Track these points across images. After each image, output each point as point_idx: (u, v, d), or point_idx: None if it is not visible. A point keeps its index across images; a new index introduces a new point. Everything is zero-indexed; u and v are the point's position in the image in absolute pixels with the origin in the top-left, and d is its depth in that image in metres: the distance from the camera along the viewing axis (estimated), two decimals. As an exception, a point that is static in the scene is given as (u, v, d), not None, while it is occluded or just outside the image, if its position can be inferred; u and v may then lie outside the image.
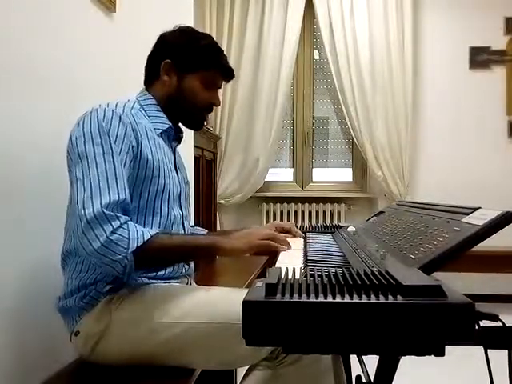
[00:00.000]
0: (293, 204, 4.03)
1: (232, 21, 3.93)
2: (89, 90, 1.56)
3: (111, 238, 1.03)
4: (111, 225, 1.04)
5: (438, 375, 2.32)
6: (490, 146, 3.88)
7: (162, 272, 1.25)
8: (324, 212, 4.02)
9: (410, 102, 3.84)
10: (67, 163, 1.17)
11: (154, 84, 1.33)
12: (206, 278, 2.03)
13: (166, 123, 1.31)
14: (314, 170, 4.19)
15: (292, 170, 4.21)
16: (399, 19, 3.83)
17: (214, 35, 3.42)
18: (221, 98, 3.88)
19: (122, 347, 1.13)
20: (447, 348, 0.60)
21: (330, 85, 4.08)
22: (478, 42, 3.89)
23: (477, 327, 0.76)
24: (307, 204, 4.02)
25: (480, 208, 0.90)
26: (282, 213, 4.04)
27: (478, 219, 0.83)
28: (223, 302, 1.13)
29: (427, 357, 0.61)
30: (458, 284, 3.03)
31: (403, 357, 0.72)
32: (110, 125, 1.13)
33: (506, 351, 0.81)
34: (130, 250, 1.04)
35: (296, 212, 4.03)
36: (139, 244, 1.05)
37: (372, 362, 0.95)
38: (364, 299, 0.60)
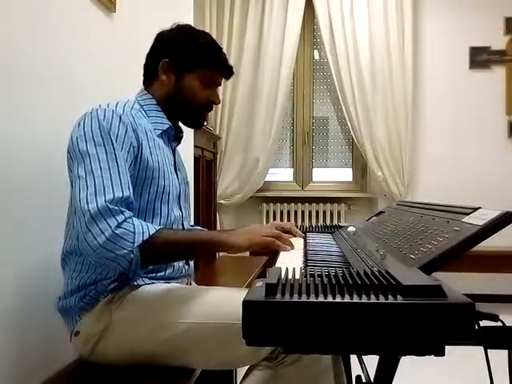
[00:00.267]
0: (293, 204, 4.03)
1: (232, 21, 3.93)
2: (89, 90, 1.56)
3: (116, 231, 1.02)
4: (116, 219, 1.03)
5: (438, 375, 2.32)
6: (490, 145, 3.88)
7: (161, 273, 1.25)
8: (324, 212, 4.02)
9: (409, 101, 3.84)
10: (67, 163, 1.17)
11: (153, 84, 1.32)
12: (206, 278, 2.03)
13: (165, 123, 1.30)
14: (313, 169, 4.20)
15: (292, 170, 4.21)
16: (399, 19, 3.83)
17: (214, 35, 3.41)
18: (221, 97, 3.89)
19: (122, 347, 1.13)
20: (447, 348, 0.60)
21: (330, 85, 4.08)
22: (477, 42, 3.89)
23: (477, 327, 0.76)
24: (307, 204, 4.02)
25: (480, 208, 0.90)
26: (282, 213, 4.04)
27: (478, 219, 0.83)
28: (223, 302, 1.13)
29: (427, 357, 0.61)
30: (458, 284, 3.03)
31: (403, 357, 0.72)
32: (111, 124, 1.13)
33: (506, 351, 0.81)
34: (136, 244, 1.03)
35: (296, 212, 4.03)
36: (145, 238, 1.04)
37: (372, 361, 0.95)
38: (364, 299, 0.60)
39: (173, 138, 1.37)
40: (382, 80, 3.83)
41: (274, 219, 4.00)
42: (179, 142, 1.42)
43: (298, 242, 1.37)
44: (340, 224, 1.67)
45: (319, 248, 1.26)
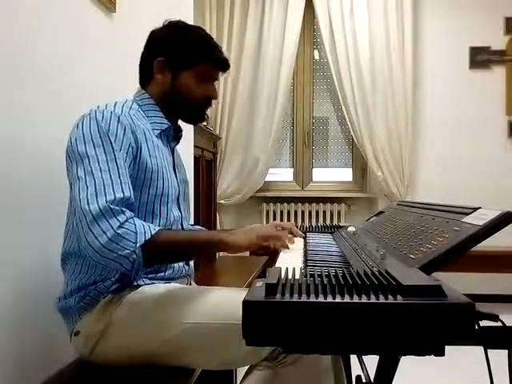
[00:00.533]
0: (293, 204, 4.03)
1: (232, 21, 3.93)
2: (89, 90, 1.56)
3: (118, 231, 1.01)
4: (117, 219, 1.02)
5: (438, 375, 2.32)
6: (490, 145, 3.88)
7: (162, 273, 1.25)
8: (324, 212, 4.02)
9: (410, 101, 3.84)
10: (66, 165, 1.16)
11: (150, 83, 1.31)
12: (206, 278, 2.03)
13: (164, 123, 1.30)
14: (314, 169, 4.20)
15: (292, 170, 4.21)
16: (399, 19, 3.83)
17: (213, 35, 3.41)
18: (221, 97, 3.91)
19: (121, 347, 1.13)
20: (447, 348, 0.60)
21: (330, 85, 4.08)
22: (477, 42, 3.89)
23: (477, 327, 0.76)
24: (307, 204, 4.02)
25: (480, 208, 0.90)
26: (282, 213, 4.04)
27: (478, 219, 0.83)
28: (223, 302, 1.13)
29: (427, 357, 0.61)
30: (458, 284, 3.02)
31: (403, 357, 0.72)
32: (109, 125, 1.13)
33: (506, 351, 0.81)
34: (139, 244, 1.02)
35: (296, 212, 4.03)
36: (147, 238, 1.03)
37: (372, 362, 0.95)
38: (364, 299, 0.60)
39: (172, 137, 1.36)
40: (382, 80, 3.83)
41: (274, 219, 4.00)
42: (178, 142, 1.42)
43: (298, 242, 1.38)
44: (340, 224, 1.67)
45: (319, 248, 1.26)
